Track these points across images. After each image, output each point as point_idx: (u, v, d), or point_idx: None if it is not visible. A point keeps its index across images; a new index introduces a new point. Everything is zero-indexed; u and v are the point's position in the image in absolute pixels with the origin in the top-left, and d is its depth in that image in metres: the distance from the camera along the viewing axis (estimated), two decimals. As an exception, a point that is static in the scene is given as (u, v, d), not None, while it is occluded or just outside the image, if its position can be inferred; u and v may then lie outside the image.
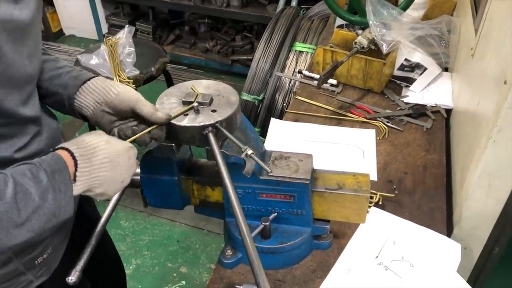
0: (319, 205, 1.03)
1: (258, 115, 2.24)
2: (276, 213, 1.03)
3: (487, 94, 1.11)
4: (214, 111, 0.89)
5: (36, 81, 0.89)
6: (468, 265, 1.30)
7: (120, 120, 0.91)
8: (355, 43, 1.62)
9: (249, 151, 0.81)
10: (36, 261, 0.95)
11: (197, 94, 0.94)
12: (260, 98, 2.24)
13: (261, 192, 1.01)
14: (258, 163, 0.81)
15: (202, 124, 0.86)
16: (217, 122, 0.86)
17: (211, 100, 0.93)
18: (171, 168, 1.01)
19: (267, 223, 1.01)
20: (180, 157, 1.01)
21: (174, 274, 2.25)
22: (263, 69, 2.22)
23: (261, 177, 0.99)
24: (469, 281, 1.35)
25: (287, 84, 2.18)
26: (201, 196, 1.06)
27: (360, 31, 1.68)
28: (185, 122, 0.87)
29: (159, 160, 0.99)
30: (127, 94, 0.88)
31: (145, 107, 0.86)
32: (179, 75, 3.70)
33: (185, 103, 0.92)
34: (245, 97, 2.25)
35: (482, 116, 1.11)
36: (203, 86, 0.98)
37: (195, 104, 0.90)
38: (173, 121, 0.88)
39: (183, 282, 2.22)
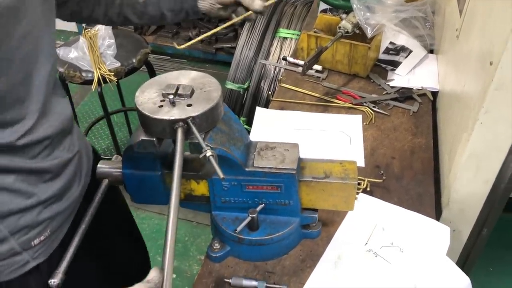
0: (307, 195, 1.02)
1: (244, 104, 2.21)
2: (263, 205, 1.01)
3: (473, 75, 1.10)
4: (190, 105, 0.86)
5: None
6: (458, 247, 1.30)
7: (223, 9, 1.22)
8: (339, 27, 1.59)
9: (208, 153, 0.78)
10: (32, 242, 0.92)
11: (178, 86, 0.92)
12: (245, 86, 2.20)
13: (248, 184, 0.99)
14: (215, 167, 0.77)
15: (172, 118, 0.83)
16: (188, 118, 0.83)
17: (192, 93, 0.90)
18: (154, 163, 0.98)
19: (254, 215, 0.99)
20: (162, 152, 0.98)
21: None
22: (247, 57, 2.18)
23: (247, 169, 0.96)
24: (458, 263, 1.36)
25: (272, 72, 2.15)
26: (186, 190, 1.04)
27: (344, 15, 1.65)
28: (157, 114, 0.85)
29: (140, 156, 0.96)
30: None
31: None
32: (162, 65, 3.64)
33: (164, 95, 0.90)
34: (230, 86, 2.22)
35: (469, 98, 1.10)
36: (188, 77, 0.96)
37: (171, 97, 0.87)
38: (145, 112, 0.85)
39: (174, 275, 2.21)
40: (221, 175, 0.76)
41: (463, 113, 1.13)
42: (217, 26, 3.59)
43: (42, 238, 0.94)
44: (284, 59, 1.77)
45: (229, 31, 3.52)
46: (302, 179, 0.99)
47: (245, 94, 2.24)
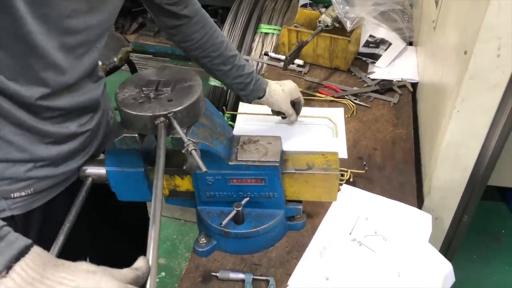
0: (290, 186, 1.03)
1: (228, 101, 2.21)
2: (248, 198, 1.02)
3: (449, 65, 1.12)
4: (170, 100, 0.87)
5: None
6: (440, 234, 1.33)
7: None
8: (319, 21, 1.61)
9: (191, 147, 0.78)
10: (13, 194, 0.91)
11: (158, 82, 0.92)
12: (228, 83, 2.20)
13: (232, 178, 1.00)
14: (197, 161, 0.78)
15: (153, 113, 0.84)
16: (170, 113, 0.84)
17: (172, 88, 0.90)
18: (137, 160, 0.98)
19: (239, 208, 1.00)
20: (145, 148, 0.98)
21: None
22: (229, 53, 2.18)
23: (230, 163, 0.97)
24: (441, 250, 1.39)
25: (255, 67, 2.15)
26: (170, 186, 1.04)
27: (323, 10, 1.67)
28: (138, 110, 0.85)
29: (123, 152, 0.96)
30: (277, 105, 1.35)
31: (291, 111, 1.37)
32: (145, 64, 3.62)
33: (145, 91, 0.90)
34: (213, 82, 2.22)
35: (446, 87, 1.13)
36: (169, 73, 0.96)
37: (152, 95, 0.88)
38: (125, 109, 0.85)
39: (163, 273, 2.20)
40: (204, 168, 0.76)
41: (441, 103, 1.16)
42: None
43: (23, 193, 0.92)
44: (266, 54, 1.78)
45: (211, 28, 3.50)
46: (285, 171, 1.00)
47: (229, 91, 2.24)
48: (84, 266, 0.62)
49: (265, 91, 1.31)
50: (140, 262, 0.63)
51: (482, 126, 1.03)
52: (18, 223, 0.94)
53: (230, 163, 0.97)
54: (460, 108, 1.02)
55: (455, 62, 1.05)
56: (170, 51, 3.64)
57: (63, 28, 0.81)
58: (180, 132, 0.83)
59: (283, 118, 1.42)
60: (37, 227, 0.99)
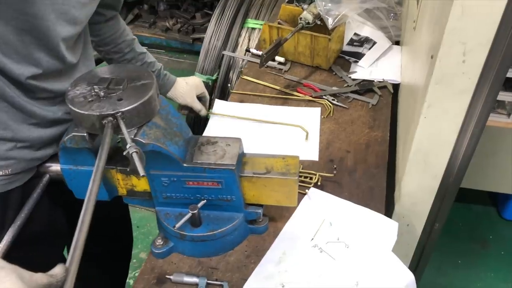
0: (249, 190, 1.00)
1: (212, 96, 2.18)
2: (205, 200, 1.00)
3: (420, 69, 1.08)
4: (120, 99, 0.84)
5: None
6: (412, 241, 1.30)
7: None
8: (300, 18, 1.57)
9: (132, 150, 0.76)
10: None
11: (111, 80, 0.89)
12: (214, 78, 2.17)
13: (187, 180, 0.97)
14: (135, 164, 0.75)
15: (99, 113, 0.81)
16: (117, 113, 0.81)
17: (125, 86, 0.88)
18: (91, 158, 0.96)
19: (195, 211, 0.98)
20: (99, 146, 0.96)
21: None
22: (215, 47, 2.15)
23: (185, 165, 0.95)
24: (414, 257, 1.36)
25: (240, 62, 2.12)
26: (127, 185, 1.02)
27: (305, 6, 1.62)
28: (85, 109, 0.83)
29: (76, 151, 0.94)
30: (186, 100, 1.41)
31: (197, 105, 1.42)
32: (140, 56, 3.59)
33: (95, 89, 0.87)
34: (198, 77, 2.18)
35: (417, 91, 1.09)
36: (124, 71, 0.93)
37: (102, 93, 0.85)
38: (73, 108, 0.83)
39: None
40: (141, 173, 0.74)
41: (412, 107, 1.12)
42: (193, 16, 3.57)
43: (1, 173, 0.96)
44: (248, 50, 1.74)
45: (205, 21, 3.47)
46: (243, 174, 0.98)
47: (214, 86, 2.21)
48: None
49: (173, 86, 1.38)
50: (56, 269, 0.61)
51: (450, 133, 0.99)
52: None
53: (185, 164, 0.94)
54: (426, 113, 0.98)
55: (425, 66, 1.01)
56: (165, 43, 3.62)
57: (67, 17, 0.88)
58: (125, 133, 0.80)
59: (192, 114, 1.47)
60: (15, 207, 1.01)
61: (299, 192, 1.15)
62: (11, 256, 0.97)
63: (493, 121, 1.78)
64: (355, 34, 1.74)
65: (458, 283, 2.09)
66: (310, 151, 1.30)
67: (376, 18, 1.73)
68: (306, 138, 1.34)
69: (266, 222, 1.08)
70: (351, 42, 1.72)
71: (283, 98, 1.52)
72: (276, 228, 1.10)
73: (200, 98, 1.44)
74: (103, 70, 0.93)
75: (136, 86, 0.89)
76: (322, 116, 1.43)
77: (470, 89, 0.91)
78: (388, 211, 1.24)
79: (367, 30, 1.74)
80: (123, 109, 0.83)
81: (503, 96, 1.74)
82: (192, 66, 2.24)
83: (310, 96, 1.50)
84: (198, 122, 2.07)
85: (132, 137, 0.85)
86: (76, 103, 0.85)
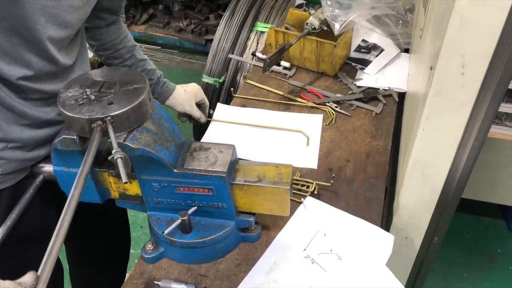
0: (241, 198, 0.99)
1: (219, 99, 2.18)
2: (196, 207, 0.99)
3: (422, 79, 1.06)
4: (111, 103, 0.84)
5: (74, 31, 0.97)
6: (411, 254, 1.27)
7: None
8: (306, 24, 1.55)
9: (117, 156, 0.75)
10: None
11: (103, 83, 0.89)
12: (221, 80, 2.17)
13: (178, 186, 0.96)
14: (119, 171, 0.75)
15: (89, 117, 0.81)
16: (107, 117, 0.81)
17: (116, 90, 0.87)
18: (81, 161, 0.96)
19: (185, 218, 0.97)
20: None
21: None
22: (224, 50, 2.14)
23: (175, 170, 0.94)
24: (413, 270, 1.33)
25: (248, 66, 2.10)
26: (119, 189, 1.02)
27: (312, 11, 1.60)
28: (75, 112, 0.82)
29: (68, 153, 0.94)
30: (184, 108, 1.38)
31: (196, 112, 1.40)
32: (153, 55, 3.61)
33: (87, 92, 0.87)
34: (206, 79, 2.18)
35: (418, 103, 1.06)
36: (117, 74, 0.93)
37: (93, 96, 0.85)
38: (64, 110, 0.83)
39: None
40: (124, 179, 0.73)
41: (413, 119, 1.09)
42: (207, 17, 3.57)
43: None
44: (253, 54, 1.73)
45: (219, 23, 3.47)
46: (234, 182, 0.96)
47: (221, 88, 2.20)
48: None
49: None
50: (26, 277, 0.60)
51: (448, 146, 0.97)
52: None
53: (175, 170, 0.94)
54: (425, 126, 0.96)
55: (424, 77, 0.99)
56: (178, 43, 3.63)
57: (58, 21, 0.88)
58: (112, 137, 0.80)
59: (192, 121, 1.45)
60: (6, 206, 1.01)
61: (295, 201, 1.14)
62: (2, 255, 0.98)
63: (502, 134, 1.73)
64: (363, 40, 1.71)
65: (463, 296, 2.04)
66: (309, 159, 1.28)
67: (385, 25, 1.70)
68: (308, 144, 1.32)
69: (259, 230, 1.07)
70: (359, 49, 1.69)
71: (286, 103, 1.50)
72: (269, 237, 1.08)
73: (199, 105, 1.42)
74: (97, 73, 0.93)
75: (128, 90, 0.88)
76: (324, 124, 1.41)
77: (469, 102, 0.88)
78: (388, 223, 1.22)
79: (375, 37, 1.71)
80: (112, 113, 0.83)
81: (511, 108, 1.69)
82: (203, 68, 2.23)
83: (313, 102, 1.48)
84: (203, 127, 2.07)
85: (121, 141, 0.84)
86: (67, 106, 0.85)
